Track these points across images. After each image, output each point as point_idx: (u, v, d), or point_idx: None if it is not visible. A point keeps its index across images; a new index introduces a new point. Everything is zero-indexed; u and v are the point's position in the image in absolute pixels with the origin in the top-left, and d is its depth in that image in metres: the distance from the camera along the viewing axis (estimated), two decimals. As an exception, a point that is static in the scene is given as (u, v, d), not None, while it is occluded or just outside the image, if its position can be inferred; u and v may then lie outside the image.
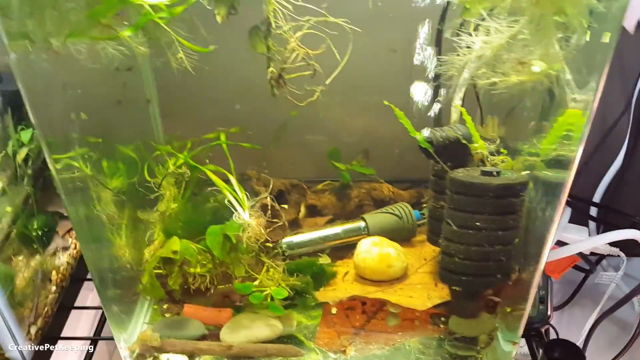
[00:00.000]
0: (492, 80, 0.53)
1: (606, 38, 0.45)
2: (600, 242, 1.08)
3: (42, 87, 0.57)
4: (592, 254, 1.19)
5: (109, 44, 0.55)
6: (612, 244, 1.16)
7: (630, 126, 1.05)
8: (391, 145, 0.86)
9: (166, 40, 0.62)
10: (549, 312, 0.81)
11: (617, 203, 1.16)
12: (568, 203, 1.20)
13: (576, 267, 1.27)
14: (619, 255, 1.13)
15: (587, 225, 1.19)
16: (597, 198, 1.18)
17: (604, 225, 1.20)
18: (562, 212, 1.16)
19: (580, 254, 1.18)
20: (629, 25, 0.51)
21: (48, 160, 0.62)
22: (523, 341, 0.83)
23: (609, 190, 1.16)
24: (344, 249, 0.85)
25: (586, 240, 1.08)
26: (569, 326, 1.27)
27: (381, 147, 0.90)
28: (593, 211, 1.18)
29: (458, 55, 0.52)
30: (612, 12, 0.45)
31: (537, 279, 0.65)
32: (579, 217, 1.13)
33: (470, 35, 0.50)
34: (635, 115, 1.03)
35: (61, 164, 0.64)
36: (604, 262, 1.26)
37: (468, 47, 0.51)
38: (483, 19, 0.50)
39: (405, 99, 0.73)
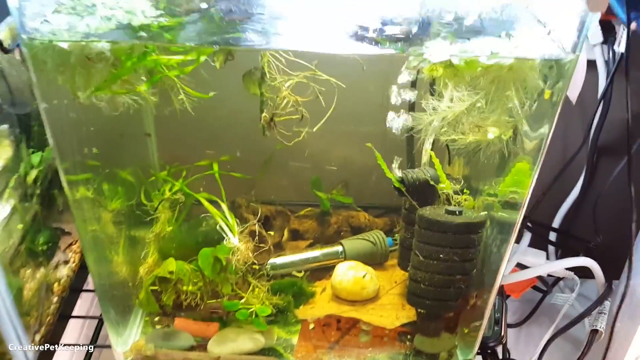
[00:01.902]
0: (452, 138, 0.62)
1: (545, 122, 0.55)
2: (556, 267, 1.18)
3: (64, 126, 0.65)
4: (549, 275, 1.29)
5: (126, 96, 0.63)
6: (568, 268, 1.26)
7: (587, 156, 1.12)
8: (368, 175, 0.94)
9: (170, 84, 0.71)
10: (502, 333, 0.90)
11: (575, 229, 1.25)
12: (528, 228, 1.29)
13: (535, 288, 1.37)
14: (573, 278, 1.23)
15: (546, 249, 1.28)
16: (556, 224, 1.26)
17: (562, 249, 1.29)
18: (520, 238, 1.26)
19: (538, 276, 1.28)
20: (572, 96, 0.61)
21: (64, 182, 0.70)
22: (479, 358, 0.92)
23: (567, 217, 1.24)
24: (322, 271, 0.93)
25: (543, 265, 1.18)
26: (526, 343, 1.36)
27: (359, 177, 0.98)
28: (553, 236, 1.27)
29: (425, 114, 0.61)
30: (555, 91, 0.55)
31: (490, 304, 0.75)
32: (539, 242, 1.22)
33: (437, 100, 0.59)
34: (592, 146, 1.11)
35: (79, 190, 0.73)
36: (561, 283, 1.35)
37: (434, 109, 0.60)
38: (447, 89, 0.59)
39: (381, 140, 0.81)
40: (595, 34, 1.00)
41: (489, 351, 0.91)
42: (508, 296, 1.40)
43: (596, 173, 1.19)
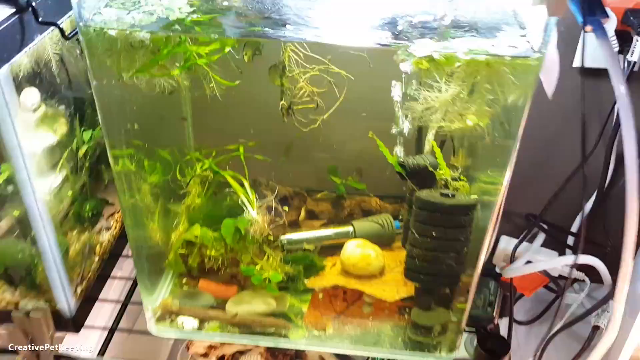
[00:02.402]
0: (440, 125, 0.71)
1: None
2: (556, 264, 1.24)
3: (110, 103, 0.77)
4: (561, 277, 1.35)
5: (163, 79, 0.74)
6: (579, 270, 1.31)
7: (603, 162, 1.18)
8: (383, 166, 1.03)
9: (202, 73, 0.82)
10: (494, 314, 0.98)
11: (593, 233, 1.29)
12: (544, 230, 1.35)
13: (549, 289, 1.42)
14: (584, 280, 1.29)
15: (564, 253, 1.33)
16: (574, 228, 1.32)
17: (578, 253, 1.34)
18: (534, 238, 1.32)
19: (550, 277, 1.34)
20: (549, 91, 0.69)
21: (109, 155, 0.82)
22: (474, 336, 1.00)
23: (585, 221, 1.28)
24: (335, 248, 1.03)
25: (545, 262, 1.25)
26: (535, 340, 1.40)
27: (375, 167, 1.07)
28: (571, 240, 1.32)
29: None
30: (525, 84, 0.64)
31: (474, 282, 0.83)
32: (556, 245, 1.27)
33: (426, 91, 0.69)
34: (607, 152, 1.16)
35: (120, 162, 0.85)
36: (575, 286, 1.41)
37: (424, 99, 0.69)
38: (436, 81, 0.68)
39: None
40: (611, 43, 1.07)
41: (482, 330, 0.99)
42: (521, 295, 1.46)
43: (612, 179, 1.24)
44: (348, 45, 0.68)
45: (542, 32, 0.59)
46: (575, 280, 1.34)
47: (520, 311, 1.53)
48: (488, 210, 0.79)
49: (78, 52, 0.92)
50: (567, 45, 1.00)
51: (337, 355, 0.99)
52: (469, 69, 0.63)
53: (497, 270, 1.26)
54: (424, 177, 0.88)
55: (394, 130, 0.83)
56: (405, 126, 0.75)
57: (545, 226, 1.32)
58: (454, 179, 0.88)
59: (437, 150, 0.87)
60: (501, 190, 0.73)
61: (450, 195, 0.83)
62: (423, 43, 0.61)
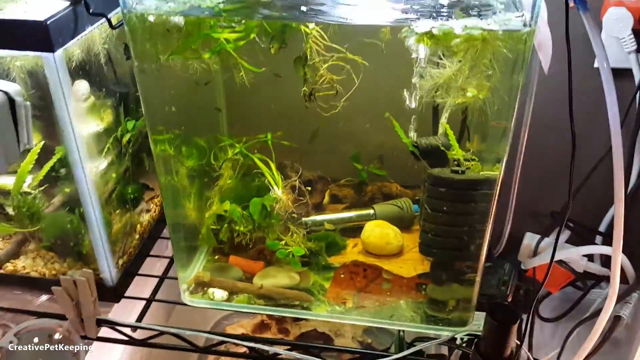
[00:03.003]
0: (444, 100, 0.78)
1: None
2: (574, 254, 1.27)
3: (151, 86, 0.86)
4: (587, 274, 1.37)
5: (195, 62, 0.84)
6: (604, 266, 1.34)
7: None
8: (405, 156, 1.09)
9: (234, 62, 0.90)
10: (508, 292, 1.02)
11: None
12: (570, 228, 1.39)
13: (576, 287, 1.45)
14: (609, 277, 1.31)
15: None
16: (602, 228, 1.35)
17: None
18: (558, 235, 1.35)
19: (575, 273, 1.37)
20: (545, 65, 0.75)
21: (150, 139, 0.91)
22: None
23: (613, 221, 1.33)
24: (356, 230, 1.09)
25: (563, 250, 1.28)
26: (560, 337, 1.42)
27: (396, 157, 1.13)
28: (599, 240, 1.35)
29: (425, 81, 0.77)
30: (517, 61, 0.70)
31: (483, 253, 0.88)
32: (584, 243, 1.31)
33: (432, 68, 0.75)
34: (629, 150, 1.20)
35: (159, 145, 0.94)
36: (603, 283, 1.43)
37: (430, 77, 0.76)
38: (440, 58, 0.75)
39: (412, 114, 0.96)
40: (628, 42, 1.12)
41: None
42: (549, 293, 1.49)
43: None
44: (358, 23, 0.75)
45: (530, 7, 0.65)
46: (601, 278, 1.37)
47: (546, 308, 1.55)
48: (493, 186, 0.84)
49: (124, 49, 1.02)
50: (588, 47, 1.05)
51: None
52: (467, 44, 0.69)
53: (522, 267, 1.30)
54: (437, 156, 0.94)
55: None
56: (413, 103, 0.81)
57: (571, 224, 1.35)
58: (466, 159, 0.93)
59: (450, 132, 0.93)
60: (501, 165, 0.78)
61: (459, 172, 0.89)
62: (423, 21, 0.68)
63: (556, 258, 1.27)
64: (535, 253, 1.34)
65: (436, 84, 0.75)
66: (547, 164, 1.30)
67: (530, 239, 1.36)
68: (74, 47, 0.87)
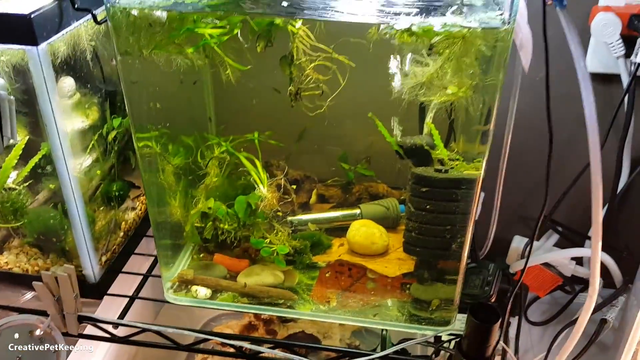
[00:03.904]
0: (427, 98, 0.78)
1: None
2: (560, 255, 1.28)
3: (135, 84, 0.86)
4: (575, 278, 1.37)
5: (179, 57, 0.84)
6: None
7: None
8: (393, 158, 1.09)
9: (219, 59, 0.90)
10: (492, 292, 1.02)
11: (612, 238, 1.30)
12: (558, 232, 1.39)
13: (564, 291, 1.45)
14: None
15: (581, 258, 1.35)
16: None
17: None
18: (541, 236, 1.36)
19: (563, 277, 1.37)
20: (525, 64, 0.75)
21: (133, 135, 0.91)
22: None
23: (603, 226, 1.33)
24: (342, 230, 1.09)
25: (549, 253, 1.29)
26: (550, 339, 1.42)
27: (384, 159, 1.13)
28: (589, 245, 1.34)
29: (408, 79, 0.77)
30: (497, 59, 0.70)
31: (465, 252, 0.88)
32: (573, 247, 1.31)
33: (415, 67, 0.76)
34: (618, 154, 1.21)
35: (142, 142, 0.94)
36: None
37: (414, 75, 0.76)
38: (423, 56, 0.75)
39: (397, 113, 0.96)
40: (617, 47, 1.13)
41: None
42: (537, 297, 1.49)
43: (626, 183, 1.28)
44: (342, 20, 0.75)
45: (509, 5, 0.65)
46: (588, 283, 1.37)
47: (535, 312, 1.55)
48: (475, 185, 0.84)
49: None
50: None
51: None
52: (447, 42, 0.70)
53: (510, 271, 1.30)
54: (421, 156, 0.94)
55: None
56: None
57: (559, 228, 1.35)
58: (451, 159, 0.93)
59: (435, 131, 0.93)
60: (483, 163, 0.79)
61: (442, 171, 0.89)
62: (404, 18, 0.69)
63: (542, 261, 1.28)
64: (522, 256, 1.34)
65: (419, 82, 0.75)
66: (537, 167, 1.30)
67: (518, 242, 1.36)
68: (60, 43, 0.87)
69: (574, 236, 1.37)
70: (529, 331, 1.52)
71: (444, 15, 0.69)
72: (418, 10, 0.70)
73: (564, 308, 1.45)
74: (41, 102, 0.84)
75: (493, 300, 1.02)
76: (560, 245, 1.37)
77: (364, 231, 1.04)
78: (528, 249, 1.23)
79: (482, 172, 0.81)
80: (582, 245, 1.37)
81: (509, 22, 0.67)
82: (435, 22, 0.68)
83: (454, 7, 0.69)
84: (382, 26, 0.71)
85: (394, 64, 0.81)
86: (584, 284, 1.40)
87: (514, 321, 1.41)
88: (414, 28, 0.68)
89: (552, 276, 1.37)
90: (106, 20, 0.88)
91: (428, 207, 0.89)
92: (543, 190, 1.35)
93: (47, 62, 0.82)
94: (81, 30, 0.92)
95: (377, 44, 0.84)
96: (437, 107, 0.88)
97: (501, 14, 0.70)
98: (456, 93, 0.73)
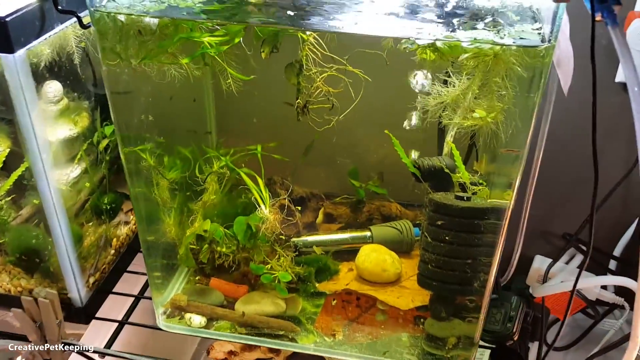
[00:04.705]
0: (452, 122, 0.69)
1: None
2: (589, 284, 1.18)
3: (122, 93, 0.78)
4: (599, 302, 1.28)
5: (173, 68, 0.75)
6: (618, 294, 1.25)
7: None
8: (407, 173, 1.00)
9: (219, 69, 0.82)
10: (514, 330, 0.93)
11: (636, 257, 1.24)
12: (582, 252, 1.30)
13: (587, 314, 1.36)
14: (623, 305, 1.22)
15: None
16: (617, 252, 1.26)
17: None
18: (570, 259, 1.26)
19: (587, 300, 1.28)
20: (564, 87, 0.66)
21: (120, 149, 0.83)
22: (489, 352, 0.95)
23: (629, 245, 1.23)
24: (350, 253, 1.00)
25: (575, 280, 1.19)
26: None
27: (398, 174, 1.04)
28: (613, 265, 1.26)
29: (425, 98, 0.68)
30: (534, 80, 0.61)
31: (489, 289, 0.79)
32: (597, 269, 1.23)
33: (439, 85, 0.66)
34: None
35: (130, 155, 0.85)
36: (616, 311, 1.33)
37: (438, 94, 0.67)
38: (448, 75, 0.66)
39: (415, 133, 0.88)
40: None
41: (501, 346, 0.95)
42: (556, 319, 1.40)
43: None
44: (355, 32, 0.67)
45: (551, 20, 0.56)
46: (614, 306, 1.28)
47: (554, 336, 1.46)
48: (503, 216, 0.75)
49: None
50: (610, 60, 0.96)
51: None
52: (476, 60, 0.60)
53: (530, 291, 1.21)
54: (440, 179, 0.85)
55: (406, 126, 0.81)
56: (413, 121, 0.72)
57: (584, 248, 1.26)
58: (473, 183, 0.84)
59: (456, 152, 0.84)
60: (513, 193, 0.69)
61: (465, 199, 0.79)
62: (427, 31, 0.59)
63: (569, 288, 1.18)
64: (545, 278, 1.25)
65: (442, 102, 0.65)
66: (560, 183, 1.21)
67: (540, 263, 1.27)
68: (43, 46, 0.79)
69: (597, 255, 1.28)
70: (549, 357, 1.43)
71: (474, 29, 0.60)
72: (442, 22, 0.61)
73: (587, 332, 1.36)
74: (19, 113, 0.76)
75: (516, 338, 0.93)
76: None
77: (375, 257, 0.95)
78: (565, 274, 1.14)
79: (512, 201, 0.72)
80: (606, 265, 1.27)
81: (549, 40, 0.57)
82: (463, 38, 0.58)
83: (487, 20, 0.60)
84: (403, 40, 0.61)
85: (414, 82, 0.72)
86: (608, 306, 1.31)
87: (533, 346, 1.32)
88: (438, 44, 0.58)
89: (575, 300, 1.28)
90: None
91: (447, 238, 0.80)
92: (565, 205, 1.27)
93: (25, 70, 0.74)
94: (68, 31, 0.84)
95: (394, 56, 0.76)
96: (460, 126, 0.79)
97: (539, 29, 0.61)
98: (485, 118, 0.63)
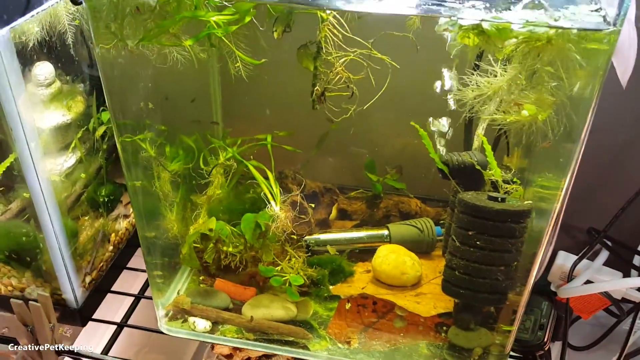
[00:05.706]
0: (493, 117, 0.60)
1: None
2: (619, 286, 1.11)
3: (118, 78, 0.70)
4: (625, 300, 1.21)
5: (175, 50, 0.66)
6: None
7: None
8: (427, 164, 0.93)
9: (227, 51, 0.74)
10: (545, 339, 0.86)
11: None
12: (608, 247, 1.22)
13: (610, 313, 1.29)
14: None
15: (629, 274, 1.20)
16: None
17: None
18: (595, 255, 1.19)
19: (612, 299, 1.21)
20: (623, 80, 0.58)
21: (116, 138, 0.75)
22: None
23: None
24: (366, 253, 0.93)
25: (605, 282, 1.12)
26: None
27: (418, 165, 0.97)
28: (638, 260, 1.19)
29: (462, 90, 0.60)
30: (595, 66, 0.52)
31: (523, 302, 0.71)
32: (621, 265, 1.16)
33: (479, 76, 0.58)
34: None
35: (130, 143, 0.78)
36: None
37: (477, 85, 0.59)
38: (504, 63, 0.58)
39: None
40: None
41: (530, 356, 0.87)
42: (578, 317, 1.33)
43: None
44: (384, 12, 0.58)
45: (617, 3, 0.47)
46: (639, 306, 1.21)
47: (576, 336, 1.40)
48: (544, 220, 0.67)
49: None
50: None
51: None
52: (525, 45, 0.52)
53: (552, 288, 1.14)
54: (470, 176, 0.77)
55: (432, 128, 0.73)
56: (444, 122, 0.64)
57: (609, 243, 1.20)
58: (506, 181, 0.76)
59: (488, 146, 0.76)
60: (559, 196, 0.61)
61: (499, 199, 0.72)
62: (471, 12, 0.51)
63: (600, 289, 1.11)
64: (569, 277, 1.18)
65: (482, 94, 0.57)
66: (586, 176, 1.14)
67: (563, 259, 1.20)
68: (30, 24, 0.71)
69: (622, 251, 1.21)
70: (568, 357, 1.37)
71: (509, 9, 0.51)
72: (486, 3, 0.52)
73: (609, 331, 1.29)
74: (3, 98, 0.69)
75: (547, 348, 0.85)
76: (609, 262, 1.21)
77: (394, 259, 0.87)
78: (592, 272, 1.07)
79: (559, 203, 0.63)
80: (631, 261, 1.20)
81: (614, 23, 0.49)
82: (514, 19, 0.50)
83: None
84: (441, 20, 0.53)
85: (447, 72, 0.63)
86: (634, 305, 1.24)
87: (555, 346, 1.26)
88: (485, 25, 0.50)
89: (600, 298, 1.21)
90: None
91: (478, 242, 0.72)
92: (592, 199, 1.20)
93: (8, 51, 0.66)
94: (60, 8, 0.76)
95: (422, 39, 0.68)
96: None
97: (598, 9, 0.52)
98: (534, 115, 0.55)
